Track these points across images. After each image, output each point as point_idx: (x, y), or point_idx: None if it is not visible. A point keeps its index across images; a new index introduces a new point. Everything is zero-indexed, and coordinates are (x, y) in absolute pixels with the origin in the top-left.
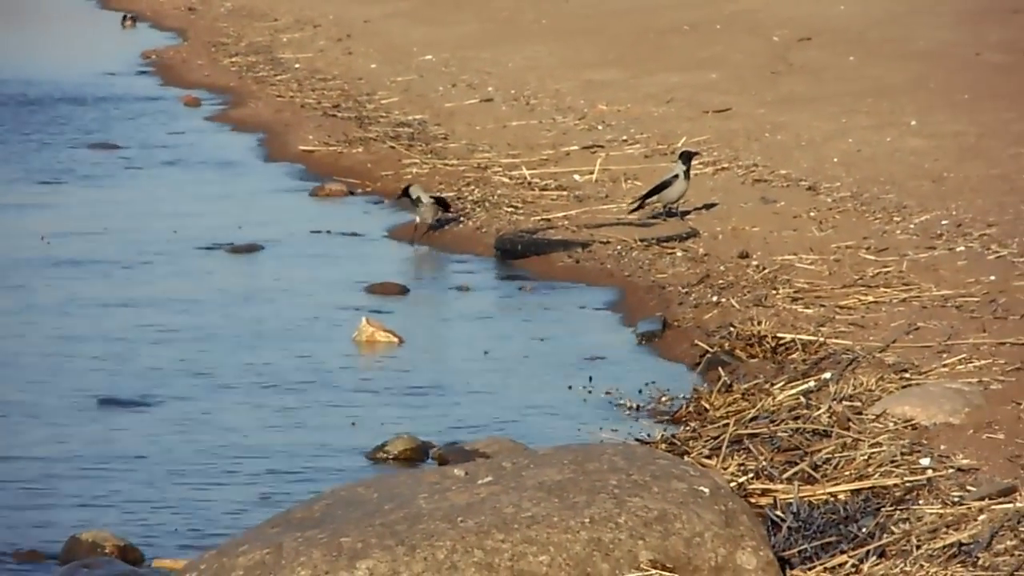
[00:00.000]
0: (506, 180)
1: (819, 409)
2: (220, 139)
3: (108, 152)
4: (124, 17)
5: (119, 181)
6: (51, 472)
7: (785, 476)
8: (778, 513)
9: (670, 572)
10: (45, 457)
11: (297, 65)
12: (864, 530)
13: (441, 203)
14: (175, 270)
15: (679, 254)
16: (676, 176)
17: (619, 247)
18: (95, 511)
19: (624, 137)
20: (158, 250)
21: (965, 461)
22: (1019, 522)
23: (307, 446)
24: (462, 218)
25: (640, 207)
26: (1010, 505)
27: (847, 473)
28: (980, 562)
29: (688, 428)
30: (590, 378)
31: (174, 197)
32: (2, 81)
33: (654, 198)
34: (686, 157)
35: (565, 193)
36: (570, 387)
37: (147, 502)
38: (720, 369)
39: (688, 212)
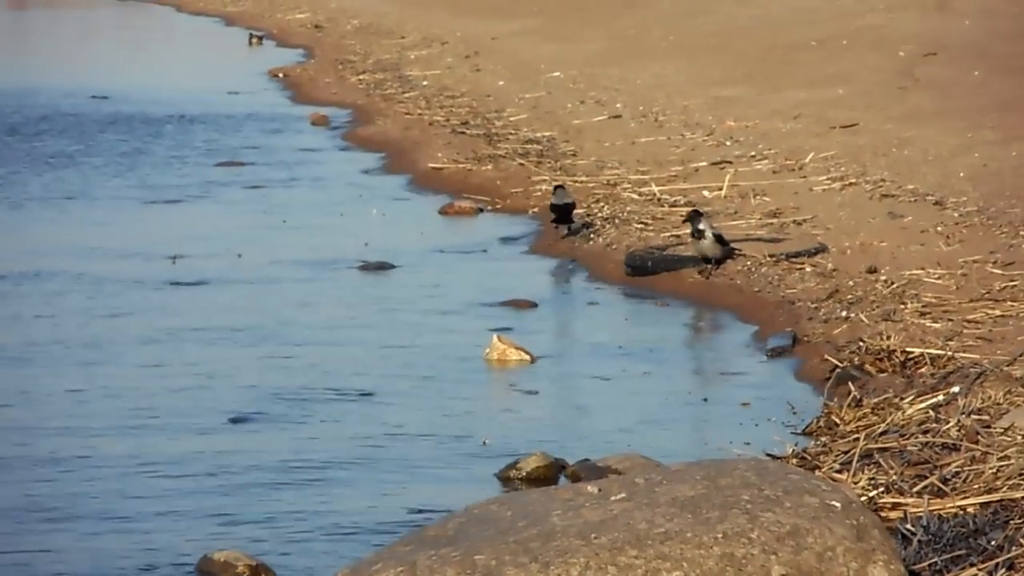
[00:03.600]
0: (635, 196)
1: (948, 423)
2: (348, 157)
3: (236, 170)
4: (250, 35)
5: (247, 199)
6: (183, 491)
7: (915, 490)
8: (908, 527)
9: None
10: (177, 476)
11: (425, 82)
12: (993, 543)
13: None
14: (305, 289)
15: (808, 269)
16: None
17: (748, 263)
18: (227, 530)
19: (752, 153)
20: (287, 268)
21: None
22: None
23: (439, 464)
24: (592, 235)
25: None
26: None
27: (976, 486)
28: None
29: (819, 442)
30: (722, 394)
31: (302, 215)
32: (131, 100)
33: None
34: (693, 218)
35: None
36: (705, 399)
37: (279, 521)
38: (850, 384)
39: (721, 262)
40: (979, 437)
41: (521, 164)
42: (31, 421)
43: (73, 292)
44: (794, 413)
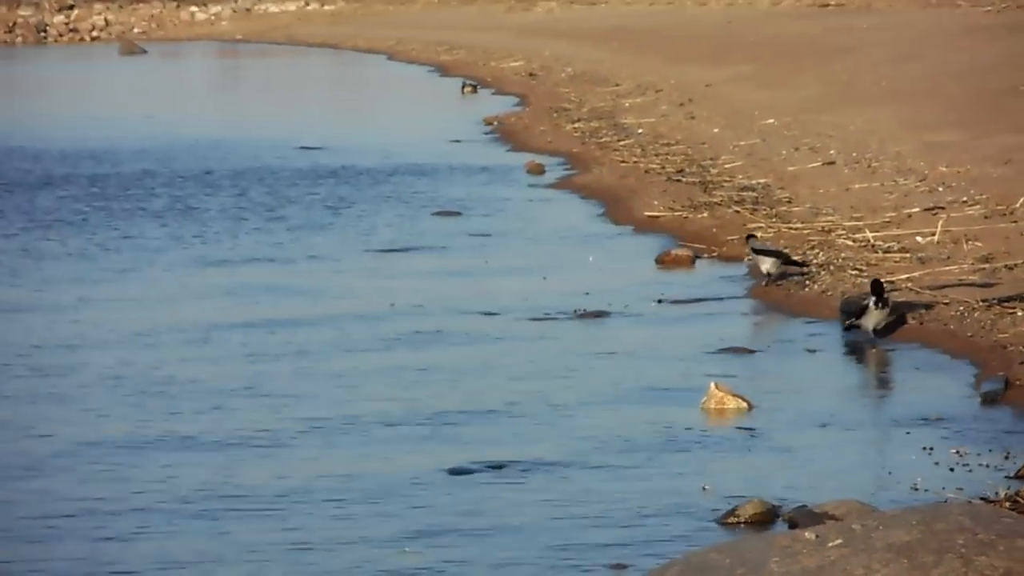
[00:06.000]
0: (850, 243)
1: None
2: (564, 205)
3: (453, 220)
4: (463, 84)
5: (464, 249)
6: (404, 545)
7: None
8: None
9: None
10: (394, 527)
11: (640, 130)
12: None
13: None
14: (521, 337)
15: (1020, 314)
16: (867, 305)
17: (961, 308)
18: None
19: (964, 198)
20: (504, 317)
21: None
22: None
23: (658, 512)
24: (807, 281)
25: (847, 329)
26: None
27: None
28: None
29: None
30: (936, 439)
31: (519, 264)
32: (344, 151)
33: (855, 321)
34: (876, 288)
35: (908, 255)
36: (925, 448)
37: (498, 569)
38: None
39: (886, 333)
40: None
41: (736, 211)
42: (251, 468)
43: (291, 342)
44: (1007, 457)
